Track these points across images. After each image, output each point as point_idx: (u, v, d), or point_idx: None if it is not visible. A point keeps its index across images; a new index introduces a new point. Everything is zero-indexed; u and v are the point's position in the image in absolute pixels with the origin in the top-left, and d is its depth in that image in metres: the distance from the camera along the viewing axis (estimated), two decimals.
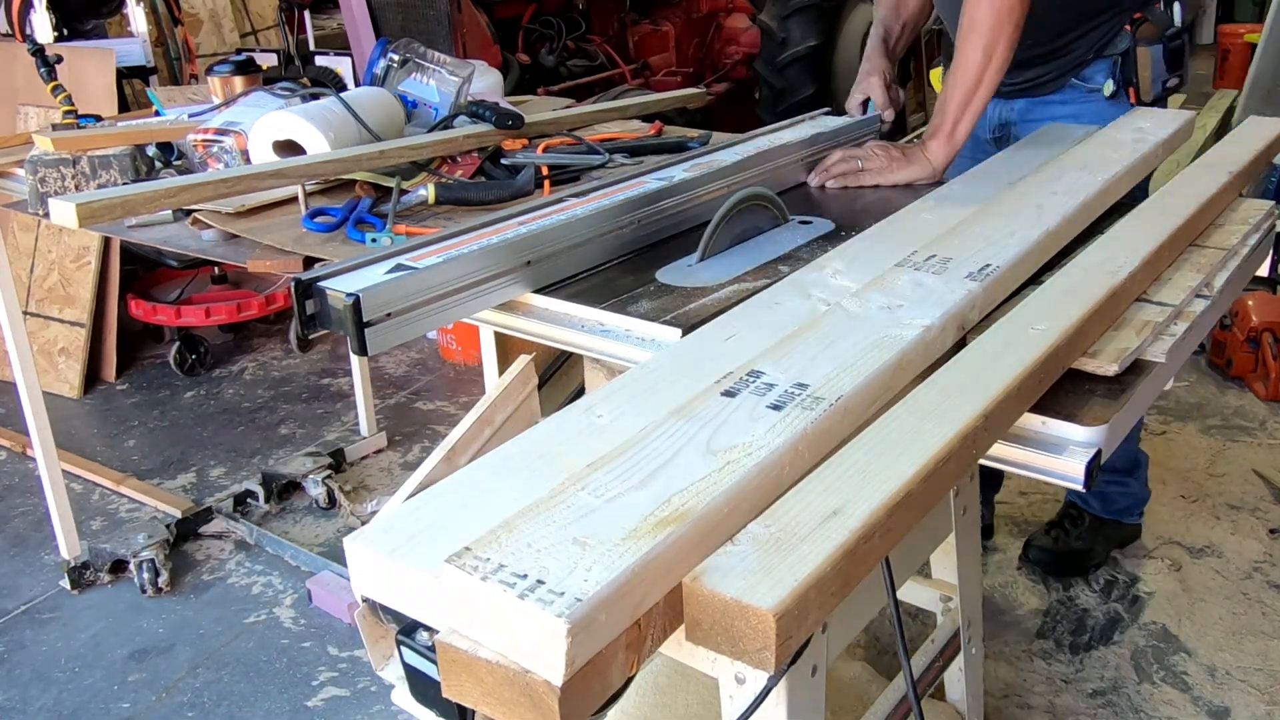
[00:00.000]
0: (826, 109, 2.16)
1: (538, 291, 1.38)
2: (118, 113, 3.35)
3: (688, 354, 1.09)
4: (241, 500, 2.94)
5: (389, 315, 1.22)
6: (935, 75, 2.37)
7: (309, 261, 1.66)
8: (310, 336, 1.29)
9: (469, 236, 1.38)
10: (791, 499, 0.82)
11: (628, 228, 1.51)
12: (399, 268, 1.27)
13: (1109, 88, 2.00)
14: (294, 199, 1.85)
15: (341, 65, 2.73)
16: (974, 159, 2.17)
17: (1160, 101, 2.03)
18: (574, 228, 1.43)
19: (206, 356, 3.90)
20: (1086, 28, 1.98)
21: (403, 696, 1.29)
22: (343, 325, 1.19)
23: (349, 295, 1.18)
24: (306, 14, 4.69)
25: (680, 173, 1.65)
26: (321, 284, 1.22)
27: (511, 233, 1.38)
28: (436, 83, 2.16)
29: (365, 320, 1.20)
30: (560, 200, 1.54)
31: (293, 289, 1.21)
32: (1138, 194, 1.62)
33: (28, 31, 3.84)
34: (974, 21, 1.71)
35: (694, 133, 2.16)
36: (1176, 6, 1.99)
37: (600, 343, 1.30)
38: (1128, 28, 1.98)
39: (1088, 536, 2.53)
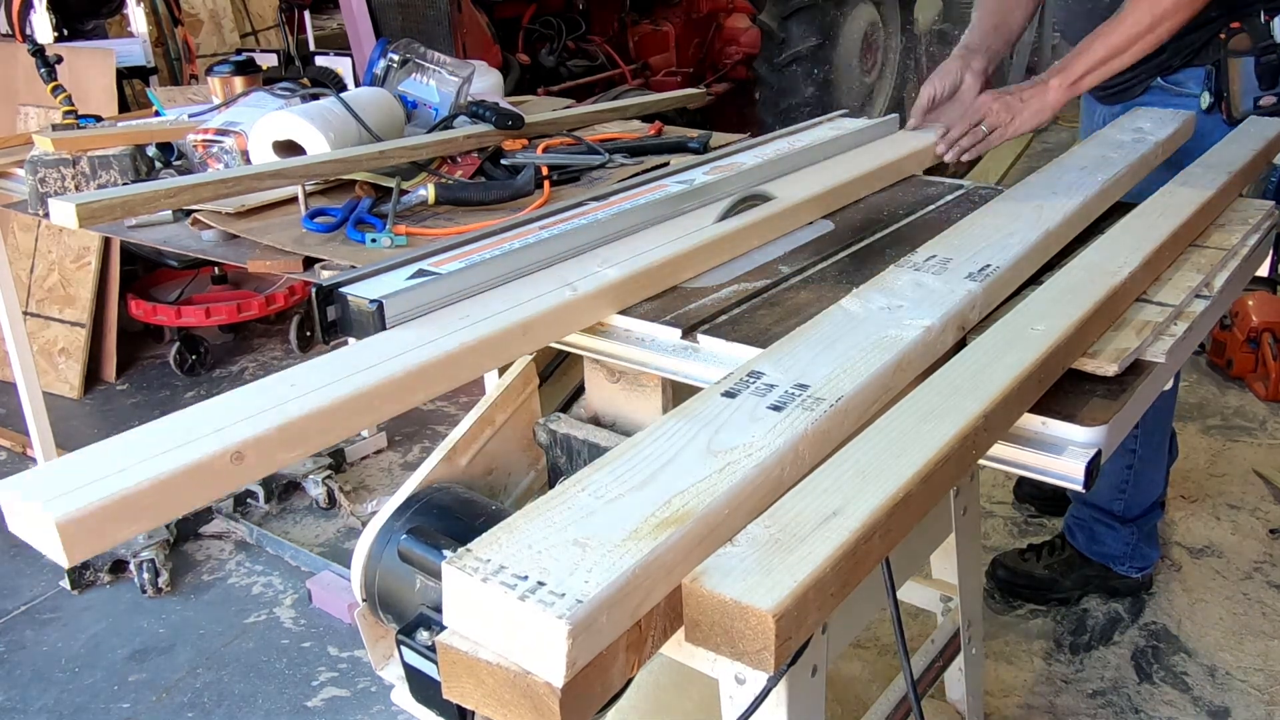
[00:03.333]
0: (844, 110, 2.12)
1: None
2: (118, 113, 3.35)
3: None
4: (241, 500, 2.94)
5: (411, 321, 1.21)
6: None
7: (309, 262, 1.66)
8: (331, 343, 1.28)
9: (490, 241, 1.37)
10: (791, 500, 0.82)
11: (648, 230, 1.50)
12: (421, 273, 1.25)
13: (1205, 99, 1.94)
14: (294, 199, 1.86)
15: (341, 65, 2.73)
16: None
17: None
18: (595, 232, 1.42)
19: (206, 357, 3.90)
20: (1189, 29, 1.88)
21: (403, 697, 1.29)
22: (365, 332, 1.18)
23: (372, 301, 1.17)
24: (306, 14, 4.69)
25: (701, 176, 1.64)
26: (344, 290, 1.21)
27: (533, 237, 1.37)
28: (436, 83, 2.16)
29: (388, 327, 1.18)
30: (580, 204, 1.54)
31: (314, 295, 1.20)
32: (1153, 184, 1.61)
33: (28, 31, 3.84)
34: None
35: (694, 133, 2.16)
36: (1278, 20, 1.89)
37: (599, 343, 1.30)
38: (1221, 36, 1.91)
39: (1059, 569, 2.42)
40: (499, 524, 0.77)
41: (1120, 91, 2.06)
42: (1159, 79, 2.00)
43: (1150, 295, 1.28)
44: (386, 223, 1.67)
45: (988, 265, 1.24)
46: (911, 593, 1.74)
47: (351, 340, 1.19)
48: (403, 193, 1.79)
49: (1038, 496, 2.50)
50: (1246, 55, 1.89)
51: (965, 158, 1.78)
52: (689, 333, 1.25)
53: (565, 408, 1.50)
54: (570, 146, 2.08)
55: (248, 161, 1.91)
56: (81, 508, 0.82)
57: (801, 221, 1.58)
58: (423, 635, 1.17)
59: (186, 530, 2.83)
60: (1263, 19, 1.90)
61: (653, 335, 1.27)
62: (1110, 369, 1.11)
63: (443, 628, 0.76)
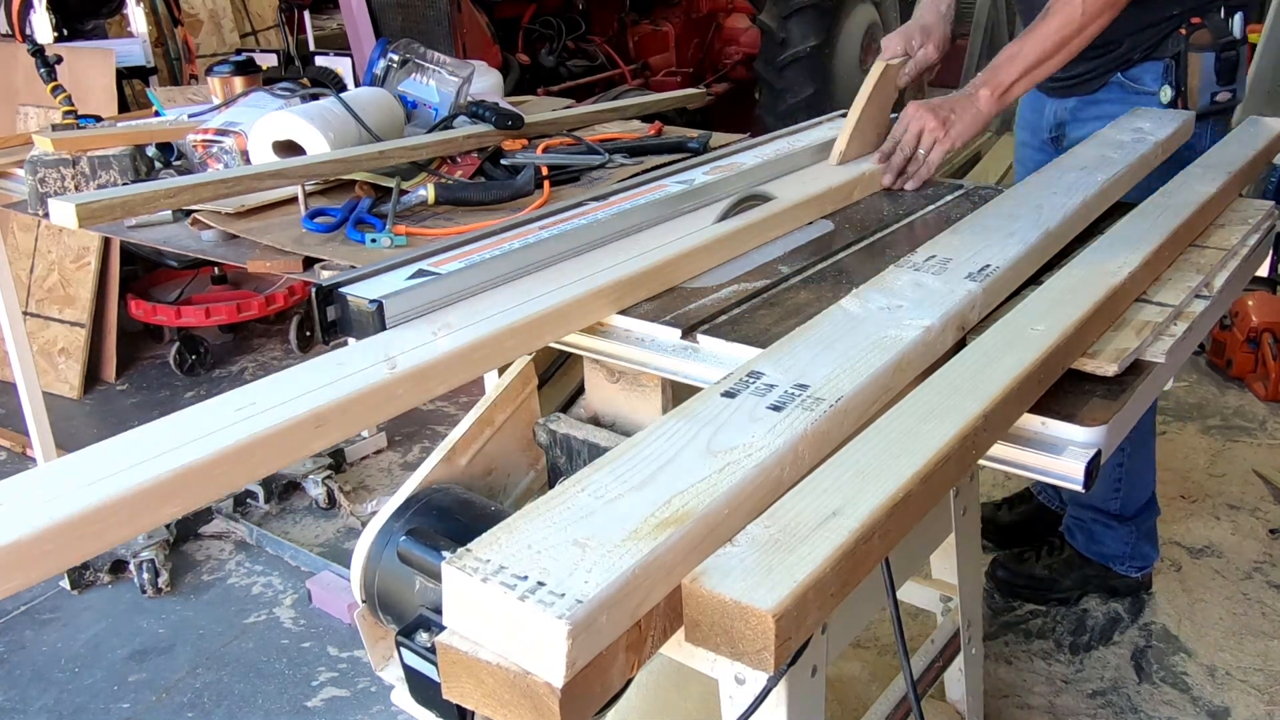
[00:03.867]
0: (843, 111, 2.12)
1: None
2: (118, 113, 3.35)
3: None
4: (241, 500, 2.94)
5: (412, 322, 1.21)
6: None
7: (309, 262, 1.66)
8: (331, 343, 1.28)
9: (490, 241, 1.37)
10: (791, 500, 0.82)
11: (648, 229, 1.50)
12: (421, 273, 1.25)
13: (1166, 93, 1.93)
14: (294, 199, 1.86)
15: (341, 65, 2.73)
16: (1041, 155, 2.18)
17: (1210, 115, 1.96)
18: (595, 231, 1.42)
19: (206, 357, 3.90)
20: (1140, 25, 1.92)
21: (403, 697, 1.29)
22: (365, 332, 1.18)
23: (371, 302, 1.17)
24: (306, 14, 4.69)
25: (701, 176, 1.64)
26: (343, 290, 1.21)
27: (533, 237, 1.37)
28: (436, 83, 2.16)
29: (388, 327, 1.18)
30: (580, 204, 1.53)
31: (314, 295, 1.20)
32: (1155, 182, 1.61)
33: (28, 32, 3.84)
34: None
35: (694, 133, 2.16)
36: (1238, 17, 1.92)
37: (599, 343, 1.30)
38: (1182, 31, 1.91)
39: (1059, 569, 2.41)
40: (499, 524, 0.77)
41: (1075, 85, 2.04)
42: (1118, 74, 1.99)
43: (1150, 295, 1.28)
44: (386, 223, 1.67)
45: (988, 265, 1.24)
46: (911, 593, 1.74)
47: (351, 340, 1.19)
48: (403, 193, 1.79)
49: (1005, 579, 2.43)
50: (1207, 50, 1.91)
51: (910, 186, 1.78)
52: (689, 333, 1.25)
53: (565, 408, 1.50)
54: (570, 146, 2.08)
55: (248, 161, 1.91)
56: None
57: (801, 221, 1.58)
58: (422, 636, 1.17)
59: (186, 530, 2.84)
60: (1223, 15, 1.92)
61: (653, 335, 1.27)
62: (1110, 369, 1.11)
63: (442, 629, 0.76)
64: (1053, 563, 2.43)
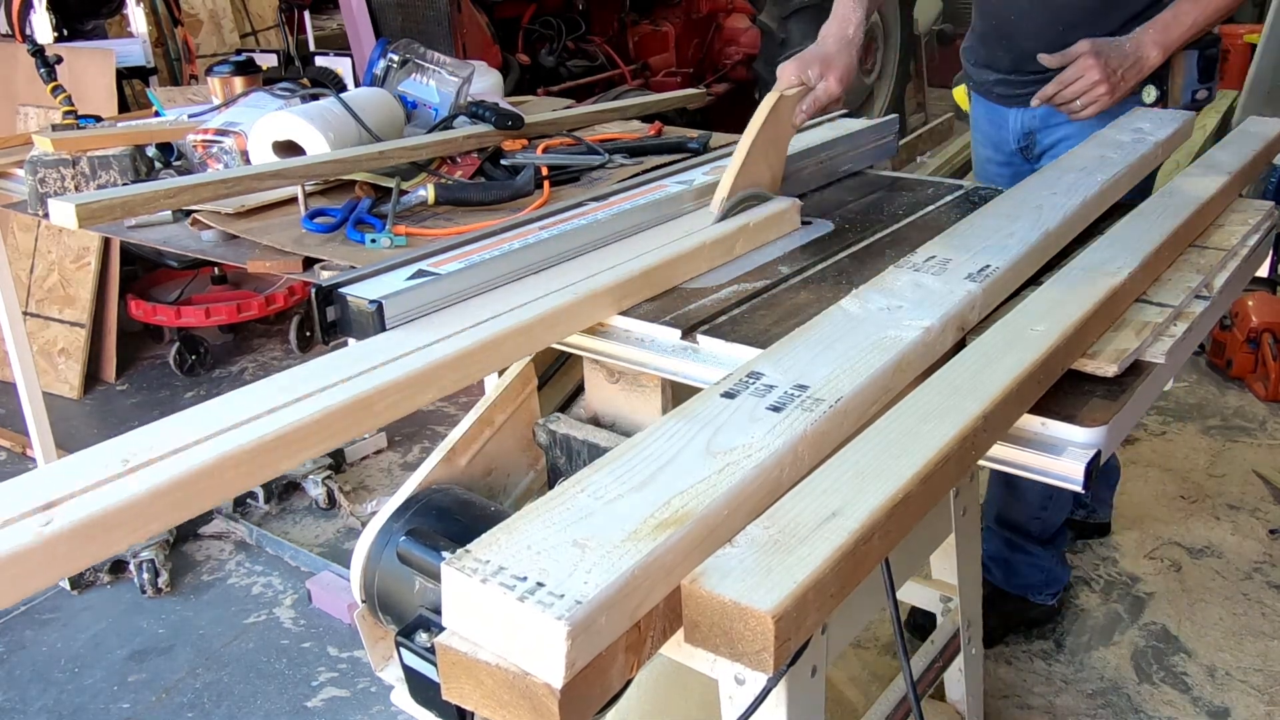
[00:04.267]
0: (844, 111, 2.12)
1: None
2: (118, 113, 3.35)
3: None
4: (241, 501, 2.94)
5: (412, 323, 1.21)
6: (959, 94, 2.33)
7: (309, 262, 1.66)
8: (331, 343, 1.28)
9: (490, 242, 1.37)
10: (791, 500, 0.82)
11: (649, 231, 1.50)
12: (420, 274, 1.25)
13: (1150, 93, 1.91)
14: (294, 199, 1.85)
15: (341, 65, 2.73)
16: (1008, 170, 2.17)
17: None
18: (595, 232, 1.42)
19: (206, 357, 3.90)
20: (1124, 24, 1.90)
21: (402, 698, 1.29)
22: (365, 332, 1.18)
23: (371, 302, 1.17)
24: (306, 14, 4.69)
25: (700, 176, 1.64)
26: (343, 290, 1.21)
27: (533, 238, 1.37)
28: (436, 83, 2.16)
29: (388, 328, 1.18)
30: (580, 204, 1.53)
31: (314, 295, 1.20)
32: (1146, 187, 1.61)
33: (28, 32, 3.83)
34: None
35: (694, 133, 2.16)
36: None
37: (599, 343, 1.30)
38: None
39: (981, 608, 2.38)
40: (498, 525, 0.77)
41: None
42: None
43: (1150, 296, 1.28)
44: (386, 223, 1.67)
45: (988, 265, 1.24)
46: (911, 593, 1.74)
47: (351, 341, 1.19)
48: (402, 193, 1.79)
49: (923, 626, 2.35)
50: (1190, 49, 1.89)
51: (1080, 107, 1.76)
52: (689, 333, 1.25)
53: (565, 408, 1.50)
54: (570, 147, 2.08)
55: (247, 162, 1.91)
56: None
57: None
58: (422, 637, 1.17)
59: (186, 530, 2.84)
60: None
61: (652, 335, 1.27)
62: (1110, 370, 1.11)
63: (442, 629, 0.76)
64: None
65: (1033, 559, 2.29)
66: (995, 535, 2.31)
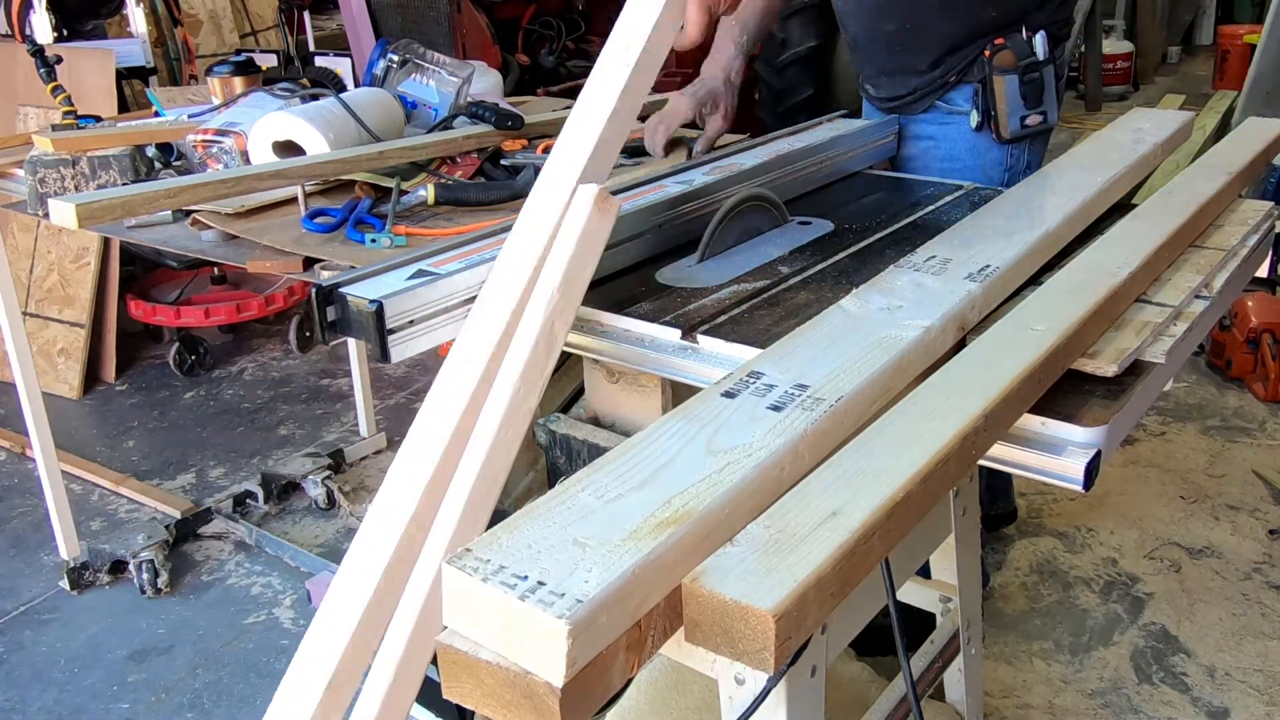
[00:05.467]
0: (844, 111, 2.11)
1: None
2: (117, 113, 3.35)
3: None
4: (241, 501, 2.94)
5: (412, 322, 1.21)
6: None
7: (309, 262, 1.66)
8: (331, 343, 1.28)
9: (490, 241, 1.37)
10: (791, 500, 0.82)
11: (649, 232, 1.50)
12: (421, 274, 1.25)
13: (974, 118, 1.92)
14: (294, 199, 1.85)
15: (341, 66, 2.73)
16: None
17: (1024, 139, 1.94)
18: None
19: (206, 357, 3.90)
20: (950, 46, 1.91)
21: None
22: (365, 332, 1.18)
23: (371, 302, 1.17)
24: (306, 14, 4.69)
25: (700, 176, 1.64)
26: (343, 290, 1.21)
27: None
28: (436, 83, 2.16)
29: (388, 327, 1.18)
30: None
31: (314, 295, 1.19)
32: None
33: (28, 32, 3.83)
34: None
35: (694, 133, 2.16)
36: (1039, 37, 1.87)
37: (599, 343, 1.30)
38: (986, 53, 1.88)
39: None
40: (499, 524, 0.77)
41: (903, 104, 2.03)
42: (935, 99, 1.98)
43: (1150, 296, 1.28)
44: (386, 223, 1.67)
45: (988, 265, 1.24)
46: (911, 593, 1.74)
47: (351, 341, 1.19)
48: (402, 193, 1.79)
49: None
50: (1010, 73, 1.88)
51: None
52: (689, 333, 1.25)
53: (565, 408, 1.50)
54: None
55: (247, 162, 1.91)
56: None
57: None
58: None
59: (186, 531, 2.84)
60: (1025, 35, 1.87)
61: (653, 335, 1.27)
62: (1110, 369, 1.11)
63: (442, 628, 0.76)
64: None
65: None
66: None
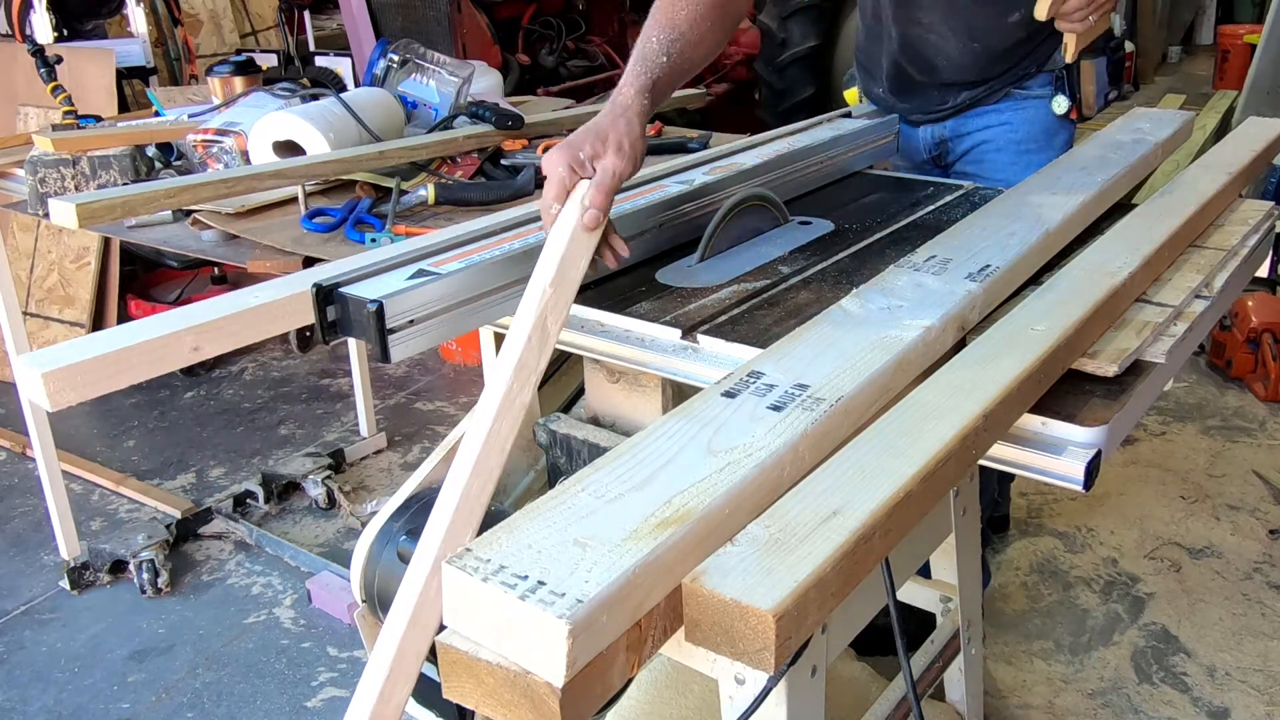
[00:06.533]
0: (846, 110, 2.10)
1: None
2: (118, 113, 3.35)
3: None
4: (241, 501, 2.94)
5: (412, 322, 1.21)
6: (851, 95, 2.32)
7: (308, 262, 1.66)
8: (331, 343, 1.28)
9: (490, 241, 1.36)
10: (791, 499, 0.82)
11: (650, 232, 1.49)
12: (421, 273, 1.25)
13: (1061, 104, 1.91)
14: (294, 199, 1.86)
15: (341, 66, 2.73)
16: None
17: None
18: None
19: None
20: (1033, 43, 1.90)
21: None
22: (365, 332, 1.18)
23: (372, 302, 1.17)
24: (306, 14, 4.69)
25: (701, 176, 1.64)
26: (343, 290, 1.21)
27: (534, 237, 1.36)
28: (436, 83, 2.16)
29: (388, 327, 1.18)
30: None
31: (313, 294, 1.19)
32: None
33: (28, 32, 3.83)
34: None
35: (694, 133, 2.16)
36: (1115, 16, 1.88)
37: (599, 343, 1.30)
38: None
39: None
40: (499, 523, 0.77)
41: (965, 107, 2.00)
42: (1012, 89, 1.97)
43: (1150, 296, 1.28)
44: (386, 223, 1.67)
45: (988, 265, 1.24)
46: (911, 593, 1.74)
47: (351, 341, 1.19)
48: (402, 193, 1.79)
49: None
50: (1099, 55, 1.90)
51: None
52: (689, 333, 1.25)
53: (565, 408, 1.50)
54: None
55: (248, 161, 1.91)
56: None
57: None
58: None
59: (186, 531, 2.84)
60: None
61: (653, 335, 1.27)
62: (1110, 369, 1.11)
63: (442, 628, 0.76)
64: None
65: None
66: None
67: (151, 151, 2.05)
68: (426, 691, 1.19)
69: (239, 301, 1.24)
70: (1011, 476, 2.63)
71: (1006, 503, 2.69)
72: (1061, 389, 1.10)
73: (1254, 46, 4.57)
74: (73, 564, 2.64)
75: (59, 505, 2.63)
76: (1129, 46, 2.09)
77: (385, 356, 1.19)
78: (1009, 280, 1.26)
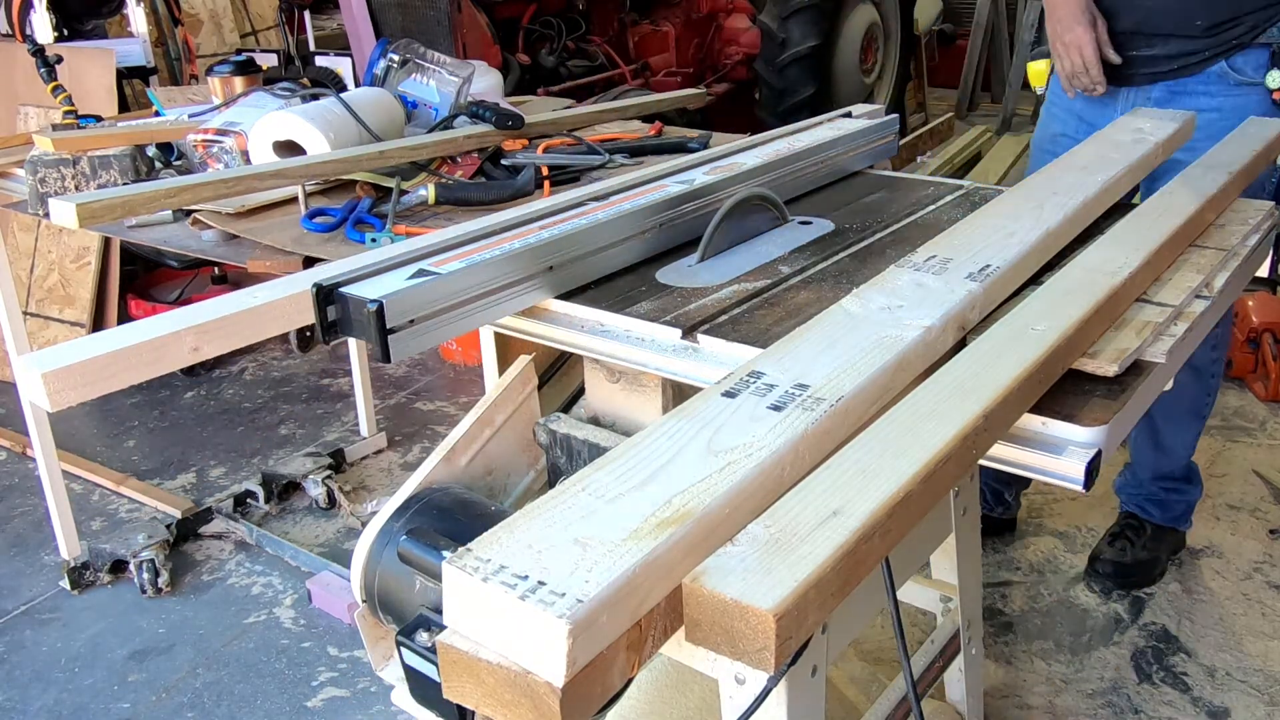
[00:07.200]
0: (846, 111, 2.11)
1: (560, 297, 1.36)
2: (118, 113, 3.35)
3: None
4: (241, 500, 2.94)
5: (412, 322, 1.21)
6: (1035, 70, 2.24)
7: (308, 262, 1.66)
8: (331, 343, 1.28)
9: (490, 241, 1.36)
10: (791, 499, 0.82)
11: (650, 232, 1.49)
12: (421, 273, 1.25)
13: (1274, 79, 1.83)
14: (294, 199, 1.86)
15: (341, 65, 2.73)
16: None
17: None
18: (597, 232, 1.41)
19: None
20: (1252, 6, 1.82)
21: (403, 697, 1.29)
22: (365, 332, 1.18)
23: (372, 302, 1.17)
24: (306, 14, 4.69)
25: (701, 176, 1.64)
26: (343, 290, 1.21)
27: (534, 237, 1.36)
28: (436, 83, 2.16)
29: (389, 327, 1.18)
30: (581, 204, 1.53)
31: (313, 294, 1.20)
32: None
33: (28, 31, 3.83)
34: None
35: (694, 133, 2.16)
36: None
37: (599, 343, 1.30)
38: None
39: (1151, 545, 2.50)
40: (499, 523, 0.77)
41: (1176, 70, 1.92)
42: (1222, 61, 1.88)
43: (1150, 295, 1.28)
44: (386, 223, 1.67)
45: (988, 265, 1.24)
46: (911, 593, 1.74)
47: (351, 341, 1.19)
48: (403, 193, 1.79)
49: (1113, 573, 2.48)
50: None
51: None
52: (689, 333, 1.25)
53: (565, 408, 1.50)
54: (570, 147, 2.08)
55: (248, 161, 1.91)
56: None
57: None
58: (422, 636, 1.17)
59: (186, 530, 2.84)
60: None
61: (653, 335, 1.27)
62: (1110, 369, 1.11)
63: (442, 628, 0.76)
64: (1146, 542, 2.50)
65: (1184, 495, 2.51)
66: (1151, 484, 2.51)
67: (151, 151, 2.05)
68: (427, 691, 1.19)
69: (239, 301, 1.24)
70: (1028, 481, 2.67)
71: (1017, 506, 2.70)
72: (1061, 389, 1.10)
73: None
74: (73, 564, 2.64)
75: (59, 505, 2.63)
76: None
77: (385, 356, 1.19)
78: (1009, 280, 1.26)
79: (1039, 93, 2.25)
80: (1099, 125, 2.06)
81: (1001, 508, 2.66)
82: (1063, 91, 2.15)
